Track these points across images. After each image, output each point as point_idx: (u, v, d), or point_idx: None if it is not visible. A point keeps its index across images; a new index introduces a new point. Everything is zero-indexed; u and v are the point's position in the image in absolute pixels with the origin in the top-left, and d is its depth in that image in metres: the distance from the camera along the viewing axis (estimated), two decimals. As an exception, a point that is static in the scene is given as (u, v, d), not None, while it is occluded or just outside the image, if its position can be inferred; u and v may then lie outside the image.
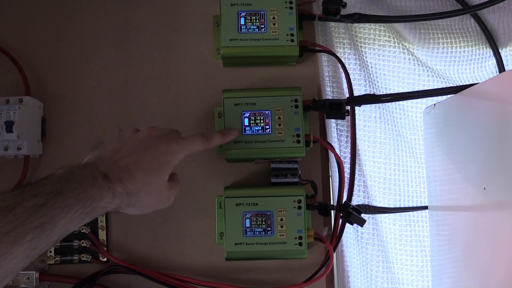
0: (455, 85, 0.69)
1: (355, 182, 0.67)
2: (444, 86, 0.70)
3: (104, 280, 0.65)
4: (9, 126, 0.61)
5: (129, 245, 0.67)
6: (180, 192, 0.55)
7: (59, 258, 0.66)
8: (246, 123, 0.63)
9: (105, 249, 0.66)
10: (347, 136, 0.69)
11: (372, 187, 0.71)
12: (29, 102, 0.65)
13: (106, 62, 0.71)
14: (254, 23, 0.64)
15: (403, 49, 0.73)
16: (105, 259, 0.66)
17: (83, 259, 0.66)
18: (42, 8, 0.71)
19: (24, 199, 0.38)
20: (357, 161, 0.68)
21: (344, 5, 0.64)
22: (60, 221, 0.39)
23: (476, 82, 0.57)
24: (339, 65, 0.68)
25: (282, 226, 0.61)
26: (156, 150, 0.50)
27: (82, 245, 0.66)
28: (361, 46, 0.72)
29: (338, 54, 0.69)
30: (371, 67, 0.73)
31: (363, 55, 0.72)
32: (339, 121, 0.69)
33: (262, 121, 0.63)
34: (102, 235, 0.67)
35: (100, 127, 0.69)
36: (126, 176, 0.47)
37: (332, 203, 0.68)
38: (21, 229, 0.36)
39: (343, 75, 0.68)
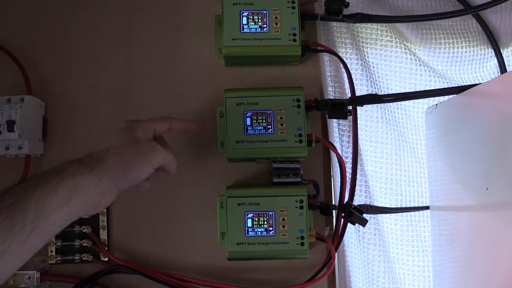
0: (456, 85, 0.70)
1: (357, 182, 0.67)
2: (446, 87, 0.70)
3: (105, 280, 0.65)
4: (10, 125, 0.61)
5: (130, 245, 0.67)
6: (171, 157, 0.54)
7: (60, 258, 0.66)
8: (248, 122, 0.63)
9: (106, 248, 0.66)
10: (349, 136, 0.69)
11: (373, 187, 0.71)
12: (30, 102, 0.65)
13: (108, 61, 0.70)
14: (257, 23, 0.64)
15: (405, 49, 0.73)
16: (106, 259, 0.66)
17: (84, 258, 0.66)
18: (44, 8, 0.71)
19: None
20: (359, 161, 0.68)
21: (347, 5, 0.64)
22: (29, 198, 0.40)
23: (478, 83, 0.57)
24: (341, 65, 0.68)
25: (284, 226, 0.61)
26: (116, 128, 0.53)
27: (83, 244, 0.66)
28: (363, 46, 0.72)
29: (340, 54, 0.69)
30: (373, 67, 0.73)
31: (365, 55, 0.72)
32: (341, 121, 0.69)
33: (264, 120, 0.63)
34: (103, 234, 0.67)
35: (101, 126, 0.69)
36: (94, 153, 0.49)
37: (334, 203, 0.68)
38: None
39: (345, 75, 0.68)
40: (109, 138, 0.53)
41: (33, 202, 0.40)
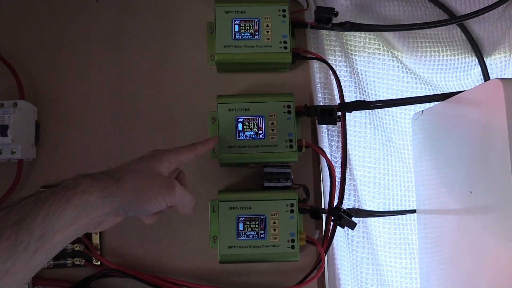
0: (441, 92, 0.71)
1: (346, 186, 0.68)
2: (432, 93, 0.72)
3: (97, 284, 0.66)
4: (3, 130, 0.62)
5: (122, 249, 0.67)
6: (189, 198, 0.52)
7: (52, 262, 0.66)
8: (240, 128, 0.64)
9: (99, 252, 0.67)
10: (338, 141, 0.71)
11: (362, 191, 0.72)
12: (23, 106, 0.65)
13: (100, 67, 0.71)
14: (248, 30, 0.66)
15: (392, 57, 0.75)
16: (98, 263, 0.66)
17: (76, 263, 0.66)
18: (37, 13, 0.72)
19: (1, 207, 0.38)
20: (347, 165, 0.69)
21: (336, 14, 0.66)
22: (36, 215, 0.38)
23: (462, 90, 0.58)
24: (331, 72, 0.69)
25: (275, 229, 0.62)
26: (141, 155, 0.51)
27: (76, 249, 0.66)
28: (351, 54, 0.74)
29: (329, 62, 0.70)
30: (362, 74, 0.74)
31: (353, 63, 0.74)
32: (331, 127, 0.71)
33: (255, 126, 0.64)
34: (95, 238, 0.67)
35: (93, 131, 0.70)
36: (111, 171, 0.47)
37: (323, 206, 0.69)
38: None
39: (334, 81, 0.70)
40: (132, 161, 0.49)
41: (40, 220, 0.38)
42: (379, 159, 0.74)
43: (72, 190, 0.41)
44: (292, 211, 0.63)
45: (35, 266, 0.39)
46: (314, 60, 0.71)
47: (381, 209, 0.73)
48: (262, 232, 0.62)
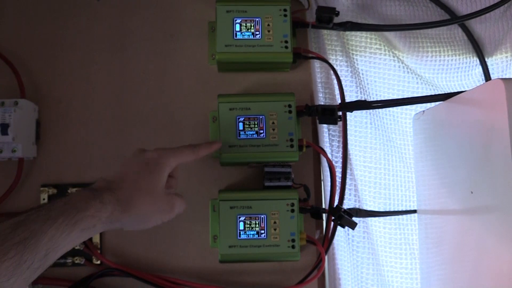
0: (443, 92, 0.71)
1: (347, 186, 0.68)
2: (433, 93, 0.72)
3: (97, 283, 0.65)
4: (4, 128, 0.61)
5: (123, 248, 0.67)
6: (184, 207, 0.56)
7: (52, 261, 0.66)
8: (241, 127, 0.64)
9: (99, 251, 0.66)
10: (338, 141, 0.71)
11: (363, 191, 0.72)
12: (24, 105, 0.65)
13: (102, 66, 0.71)
14: (249, 30, 0.66)
15: (393, 57, 0.75)
16: (98, 262, 0.66)
17: (76, 262, 0.66)
18: (38, 12, 0.72)
19: (7, 220, 0.39)
20: (348, 165, 0.69)
21: (337, 14, 0.66)
22: (43, 235, 0.39)
23: (464, 90, 0.58)
24: (332, 71, 0.69)
25: (275, 229, 0.62)
26: (144, 160, 0.51)
27: (76, 248, 0.66)
28: (352, 54, 0.74)
29: (330, 61, 0.70)
30: (363, 74, 0.74)
31: (354, 62, 0.74)
32: (331, 126, 0.71)
33: (256, 125, 0.64)
34: (96, 237, 0.67)
35: (94, 130, 0.70)
36: (115, 185, 0.48)
37: (324, 206, 0.69)
38: (1, 247, 0.37)
39: (335, 81, 0.70)
40: (137, 173, 0.50)
41: (46, 239, 0.39)
42: (380, 159, 0.74)
43: (82, 213, 0.42)
44: (292, 210, 0.63)
45: (34, 278, 0.40)
46: (315, 60, 0.71)
47: (381, 209, 0.73)
48: (263, 231, 0.62)
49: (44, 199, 0.67)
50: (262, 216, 0.63)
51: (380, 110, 0.74)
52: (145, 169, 0.50)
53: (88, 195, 0.44)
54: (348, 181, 0.69)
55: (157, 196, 0.50)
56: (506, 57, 0.72)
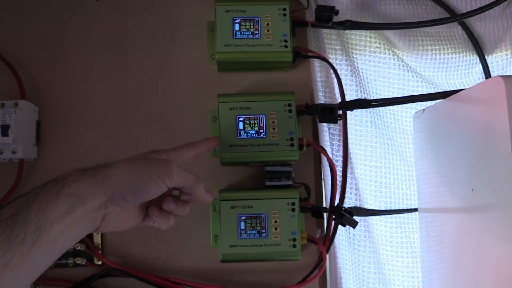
0: (443, 90, 0.71)
1: (347, 185, 0.68)
2: (433, 92, 0.72)
3: (99, 284, 0.66)
4: (4, 129, 0.62)
5: (124, 248, 0.67)
6: (191, 178, 0.49)
7: (53, 262, 0.66)
8: (241, 127, 0.64)
9: (100, 252, 0.67)
10: (339, 140, 0.71)
11: (363, 189, 0.72)
12: (24, 106, 0.65)
13: (101, 66, 0.71)
14: (249, 29, 0.66)
15: (393, 55, 0.75)
16: (100, 263, 0.66)
17: (77, 262, 0.66)
18: (38, 12, 0.72)
19: None
20: (349, 164, 0.69)
21: (336, 13, 0.66)
22: (29, 208, 0.38)
23: (464, 88, 0.58)
24: (331, 70, 0.69)
25: (276, 228, 0.62)
26: (148, 155, 0.49)
27: (77, 248, 0.66)
28: (352, 52, 0.74)
29: (330, 60, 0.70)
30: (362, 73, 0.74)
31: (354, 61, 0.74)
32: (331, 125, 0.71)
33: (256, 125, 0.64)
34: (97, 238, 0.67)
35: (94, 131, 0.70)
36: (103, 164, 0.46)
37: (325, 205, 0.69)
38: None
39: (335, 80, 0.70)
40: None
41: (33, 213, 0.38)
42: (380, 158, 0.74)
43: (61, 182, 0.41)
44: (293, 210, 0.63)
45: (36, 261, 0.38)
46: (315, 59, 0.71)
47: (382, 208, 0.73)
48: (264, 231, 0.62)
49: (45, 200, 0.67)
50: (263, 215, 0.63)
51: (380, 108, 0.74)
52: (140, 157, 0.48)
53: (69, 171, 0.43)
54: (348, 179, 0.69)
55: (147, 158, 0.47)
56: (506, 54, 0.72)
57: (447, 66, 0.73)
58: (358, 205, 0.71)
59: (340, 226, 0.65)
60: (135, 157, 0.48)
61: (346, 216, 0.63)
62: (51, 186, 0.41)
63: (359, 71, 0.74)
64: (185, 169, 0.48)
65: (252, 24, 0.66)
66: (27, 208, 0.38)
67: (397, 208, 0.74)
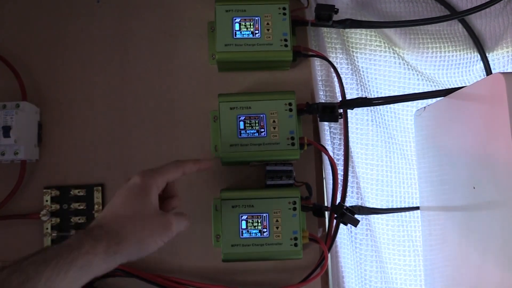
0: (444, 88, 0.71)
1: (348, 183, 0.68)
2: (434, 90, 0.72)
3: (101, 284, 0.66)
4: (6, 131, 0.62)
5: (126, 249, 0.68)
6: (185, 224, 0.54)
7: (56, 262, 0.66)
8: (242, 126, 0.64)
9: (102, 252, 0.67)
10: (340, 138, 0.71)
11: (365, 188, 0.72)
12: (25, 107, 0.65)
13: (103, 67, 0.71)
14: (249, 29, 0.66)
15: (394, 53, 0.75)
16: (102, 263, 0.67)
17: (80, 263, 0.66)
18: (39, 14, 0.72)
19: (4, 268, 0.39)
20: (350, 163, 0.69)
21: (336, 11, 0.66)
22: (39, 277, 0.38)
23: (464, 85, 0.58)
24: (332, 69, 0.69)
25: (277, 227, 0.62)
26: (128, 188, 0.50)
27: (79, 249, 0.66)
28: (352, 51, 0.74)
29: (330, 59, 0.70)
30: (363, 71, 0.74)
31: (354, 60, 0.74)
32: (332, 124, 0.71)
33: (257, 124, 0.64)
34: (99, 238, 0.67)
35: (96, 131, 0.70)
36: (104, 220, 0.47)
37: (326, 204, 0.69)
38: None
39: (335, 79, 0.70)
40: (123, 203, 0.50)
41: (43, 281, 0.38)
42: (381, 156, 0.74)
43: (76, 251, 0.42)
44: (294, 209, 0.63)
45: None
46: (315, 58, 0.71)
47: (384, 206, 0.73)
48: (265, 230, 0.62)
49: (47, 200, 0.67)
50: (264, 214, 0.63)
51: (381, 107, 0.74)
52: (130, 196, 0.50)
53: (81, 235, 0.44)
54: (350, 178, 0.69)
55: (149, 220, 0.50)
56: (507, 52, 0.72)
57: (448, 64, 0.73)
58: (359, 204, 0.71)
59: (341, 225, 0.65)
60: (138, 215, 0.49)
61: (348, 214, 0.63)
62: (66, 254, 0.41)
63: (359, 69, 0.74)
64: (181, 219, 0.53)
65: (252, 24, 0.66)
66: (37, 276, 0.38)
67: (398, 206, 0.73)
